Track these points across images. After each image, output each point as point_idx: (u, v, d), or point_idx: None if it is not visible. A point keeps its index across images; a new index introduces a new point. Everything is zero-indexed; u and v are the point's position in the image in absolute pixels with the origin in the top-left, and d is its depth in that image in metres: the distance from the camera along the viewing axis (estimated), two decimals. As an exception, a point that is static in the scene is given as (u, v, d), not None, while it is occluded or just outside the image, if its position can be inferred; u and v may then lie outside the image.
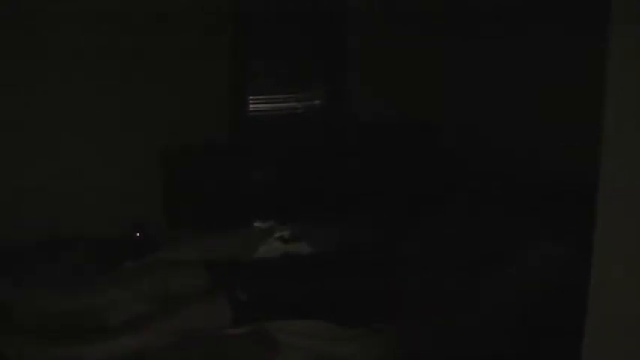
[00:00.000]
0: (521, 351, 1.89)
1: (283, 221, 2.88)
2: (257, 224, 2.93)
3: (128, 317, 2.16)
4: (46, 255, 2.66)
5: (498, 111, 3.01)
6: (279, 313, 2.13)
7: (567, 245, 2.04)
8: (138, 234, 2.95)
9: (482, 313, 2.04)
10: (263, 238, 2.74)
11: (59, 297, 2.25)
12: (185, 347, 2.01)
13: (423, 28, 3.34)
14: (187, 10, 3.12)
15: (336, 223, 2.90)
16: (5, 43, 2.86)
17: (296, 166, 3.34)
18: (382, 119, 3.59)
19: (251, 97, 3.47)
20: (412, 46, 3.40)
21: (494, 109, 3.03)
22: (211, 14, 3.20)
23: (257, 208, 3.08)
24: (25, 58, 2.91)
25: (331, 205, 3.13)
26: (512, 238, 2.24)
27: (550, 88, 2.69)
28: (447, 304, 2.10)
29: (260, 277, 2.38)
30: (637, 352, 1.04)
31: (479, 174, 2.92)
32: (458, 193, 2.80)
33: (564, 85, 2.60)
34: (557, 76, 2.66)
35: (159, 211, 3.17)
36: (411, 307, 2.15)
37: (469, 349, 1.94)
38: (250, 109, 3.47)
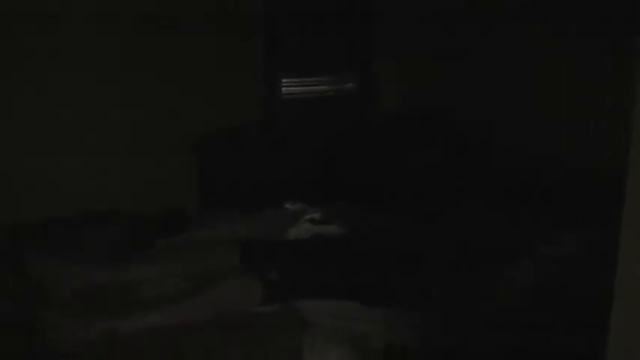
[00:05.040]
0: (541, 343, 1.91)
1: (313, 203, 2.93)
2: (287, 205, 2.98)
3: (162, 293, 2.21)
4: (82, 231, 2.71)
5: (516, 105, 3.01)
6: (309, 294, 2.18)
7: (581, 240, 2.06)
8: (173, 212, 3.01)
9: (500, 305, 2.06)
10: (293, 219, 2.79)
11: (95, 272, 2.30)
12: (216, 323, 2.06)
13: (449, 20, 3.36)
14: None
15: (365, 206, 2.94)
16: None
17: (327, 149, 3.38)
18: (409, 106, 3.63)
19: (284, 80, 3.51)
20: (438, 38, 3.42)
21: (512, 103, 3.04)
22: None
23: (288, 190, 3.13)
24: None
25: (360, 188, 3.17)
26: (529, 233, 2.26)
27: (566, 84, 2.69)
28: (465, 293, 2.12)
29: (291, 257, 2.43)
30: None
31: (496, 166, 2.93)
32: (477, 185, 2.81)
33: (579, 82, 2.60)
34: (575, 72, 2.66)
35: (194, 191, 3.25)
36: (433, 292, 2.18)
37: (488, 339, 1.96)
38: (283, 92, 3.50)
